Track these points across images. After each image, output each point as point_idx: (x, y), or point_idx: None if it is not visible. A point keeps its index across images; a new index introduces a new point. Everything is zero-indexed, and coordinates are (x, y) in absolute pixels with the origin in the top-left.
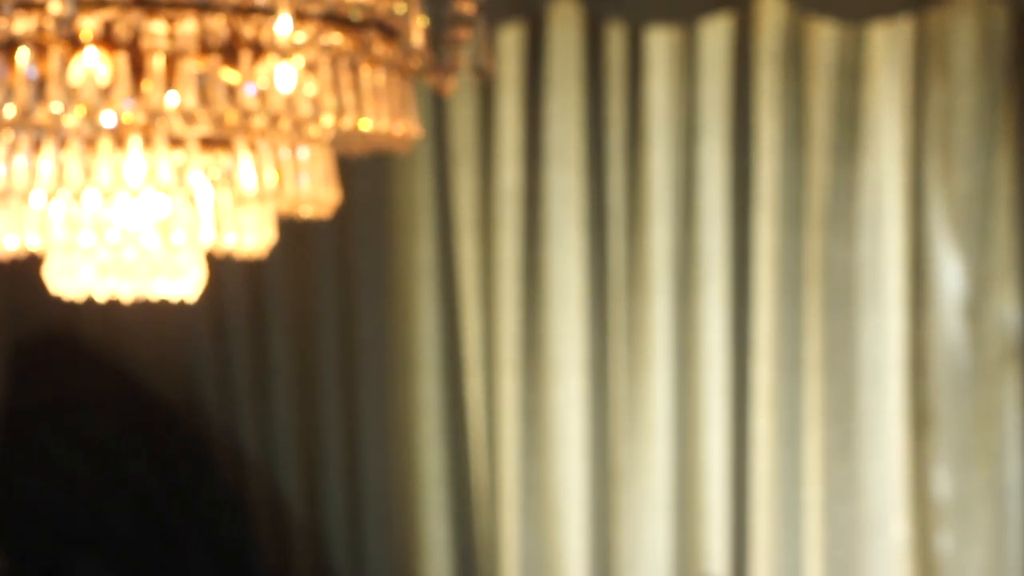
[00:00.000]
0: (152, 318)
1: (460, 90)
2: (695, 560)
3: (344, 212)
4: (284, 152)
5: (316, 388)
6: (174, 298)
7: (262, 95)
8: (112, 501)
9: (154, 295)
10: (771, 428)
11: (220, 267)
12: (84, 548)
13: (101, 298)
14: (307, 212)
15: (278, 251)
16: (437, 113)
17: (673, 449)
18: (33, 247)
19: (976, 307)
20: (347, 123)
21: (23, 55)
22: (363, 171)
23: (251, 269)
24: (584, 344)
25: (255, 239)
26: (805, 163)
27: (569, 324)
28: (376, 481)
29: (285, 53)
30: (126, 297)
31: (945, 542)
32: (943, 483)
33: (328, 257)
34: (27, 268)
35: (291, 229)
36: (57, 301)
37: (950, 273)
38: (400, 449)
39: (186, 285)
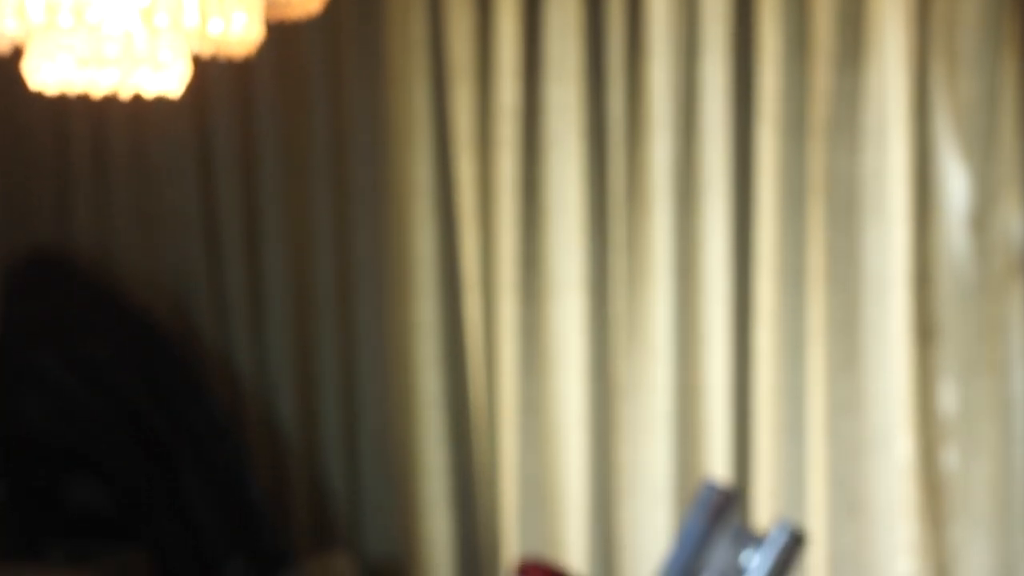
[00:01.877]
0: (146, 239)
1: (458, 4)
2: (696, 477)
3: (340, 130)
4: None
5: (312, 309)
6: (155, 92)
7: None
8: (107, 422)
9: (135, 88)
10: (773, 343)
11: (216, 177)
12: (79, 469)
13: (79, 89)
14: (294, 11)
15: (272, 167)
16: (435, 28)
17: (674, 365)
18: (11, 32)
19: (981, 218)
20: None
21: None
22: (360, 88)
23: (247, 179)
24: (583, 261)
25: (241, 29)
26: (808, 73)
27: (568, 241)
28: (373, 403)
29: None
30: (105, 89)
31: (950, 456)
32: (948, 397)
33: (325, 177)
34: (20, 186)
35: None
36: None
37: (955, 183)
38: (397, 370)
39: (169, 79)
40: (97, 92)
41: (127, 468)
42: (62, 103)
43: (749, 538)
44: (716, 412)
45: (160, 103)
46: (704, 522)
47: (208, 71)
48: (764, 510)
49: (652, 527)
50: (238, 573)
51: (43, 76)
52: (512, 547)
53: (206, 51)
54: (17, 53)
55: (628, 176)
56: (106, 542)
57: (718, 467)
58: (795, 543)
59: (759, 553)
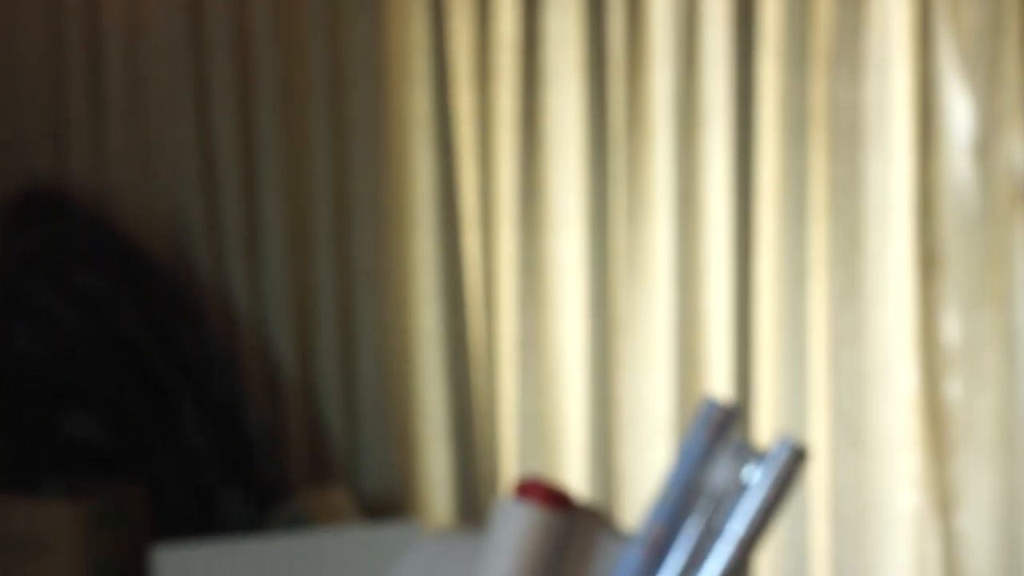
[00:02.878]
0: (142, 175)
1: None
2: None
3: (338, 64)
4: None
5: (310, 245)
6: None
7: None
8: (103, 355)
9: None
10: (775, 274)
11: (213, 113)
12: (74, 402)
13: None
14: None
15: (270, 102)
16: None
17: (674, 298)
18: None
19: (985, 147)
20: None
21: None
22: (356, 19)
23: (243, 121)
24: (583, 194)
25: None
26: (809, 2)
27: (568, 174)
28: (370, 339)
29: None
30: None
31: (953, 387)
32: (951, 327)
33: (322, 110)
34: (16, 123)
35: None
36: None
37: (959, 112)
38: (395, 306)
39: None
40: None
41: (123, 401)
42: (58, 37)
43: (750, 454)
44: (717, 345)
45: (158, 39)
46: (705, 438)
47: (205, 5)
48: (765, 442)
49: (652, 460)
50: (234, 507)
51: None
52: (511, 482)
53: None
54: None
55: (628, 108)
56: (101, 476)
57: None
58: (797, 458)
59: (760, 468)
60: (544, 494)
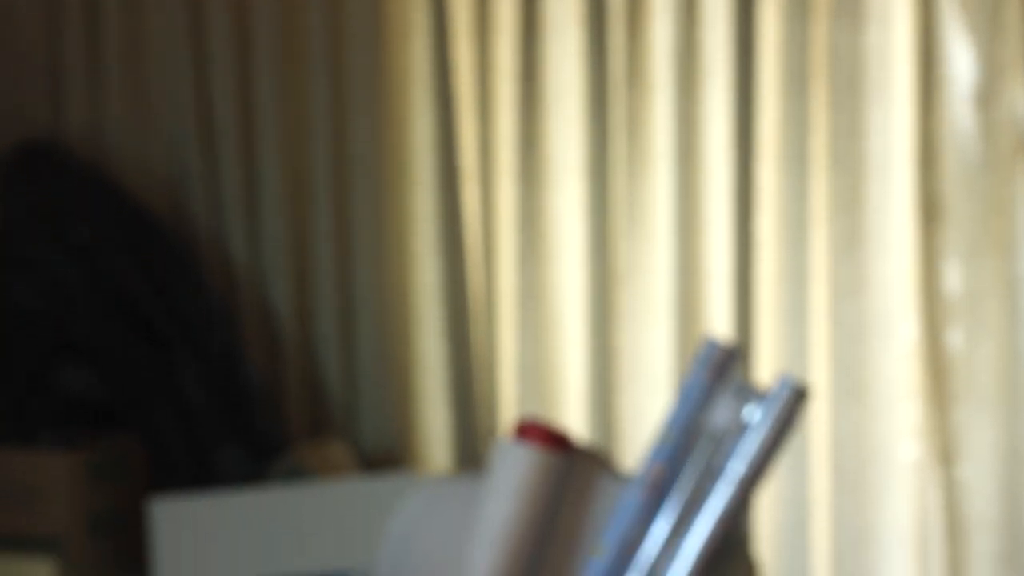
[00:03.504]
0: (140, 128)
1: None
2: None
3: (336, 15)
4: None
5: (308, 198)
6: None
7: None
8: (101, 308)
9: None
10: (775, 225)
11: (208, 74)
12: (72, 355)
13: None
14: None
15: (268, 56)
16: None
17: (675, 250)
18: None
19: (987, 96)
20: None
21: None
22: None
23: (241, 75)
24: (583, 146)
25: None
26: None
27: (568, 126)
28: (369, 293)
29: None
30: None
31: (955, 337)
32: (953, 278)
33: (320, 64)
34: (12, 77)
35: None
36: (44, 115)
37: (960, 61)
38: (394, 259)
39: None
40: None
41: (121, 355)
42: None
43: (751, 394)
44: (717, 296)
45: None
46: (705, 378)
47: None
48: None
49: (652, 412)
50: (232, 460)
51: None
52: (510, 425)
53: None
54: None
55: (628, 60)
56: (99, 429)
57: None
58: (798, 398)
59: (761, 408)
60: (543, 435)
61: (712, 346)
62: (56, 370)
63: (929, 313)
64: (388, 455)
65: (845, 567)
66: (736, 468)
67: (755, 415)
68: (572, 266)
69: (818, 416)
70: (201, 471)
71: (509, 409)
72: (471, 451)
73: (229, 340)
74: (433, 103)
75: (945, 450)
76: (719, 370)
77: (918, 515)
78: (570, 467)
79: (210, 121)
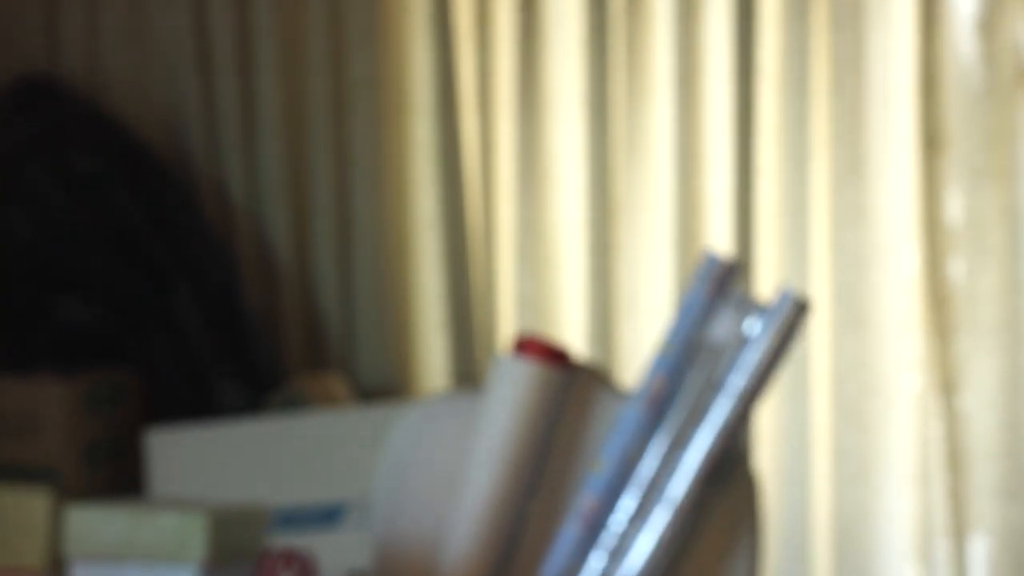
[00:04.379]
0: (137, 62)
1: None
2: None
3: None
4: None
5: (305, 130)
6: None
7: None
8: (97, 239)
9: None
10: (776, 154)
11: (205, 6)
12: (69, 286)
13: None
14: None
15: None
16: None
17: (675, 181)
18: None
19: (989, 23)
20: None
21: None
22: None
23: (238, 6)
24: (583, 77)
25: None
26: None
27: (567, 56)
28: (367, 227)
29: None
30: None
31: (956, 267)
32: (954, 206)
33: None
34: (8, 11)
35: None
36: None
37: None
38: (392, 194)
39: None
40: None
41: (118, 285)
42: None
43: (751, 307)
44: (717, 226)
45: None
46: (705, 293)
47: None
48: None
49: (652, 343)
50: (229, 393)
51: None
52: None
53: None
54: None
55: None
56: (96, 360)
57: None
58: (798, 310)
59: (761, 321)
60: (542, 350)
61: (712, 260)
62: (54, 302)
63: (930, 242)
64: (386, 388)
65: (846, 499)
66: (736, 381)
67: (755, 328)
68: (571, 198)
69: (818, 347)
70: (198, 403)
71: (508, 341)
72: (470, 383)
73: (226, 273)
74: (431, 33)
75: (946, 380)
76: (719, 284)
77: (919, 445)
78: (569, 382)
79: (207, 53)
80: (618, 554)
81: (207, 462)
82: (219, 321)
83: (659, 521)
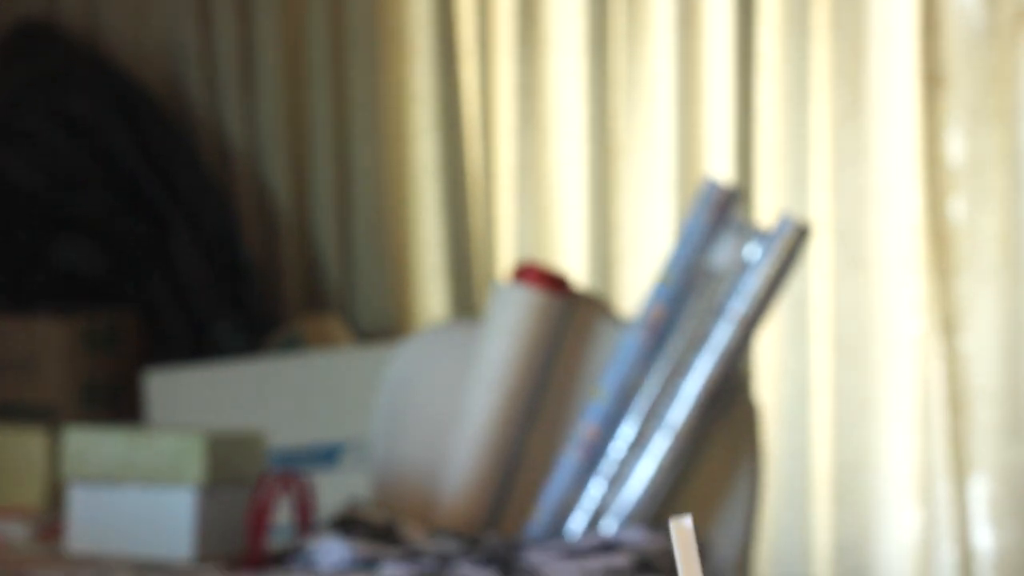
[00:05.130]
0: (135, 5)
1: None
2: None
3: None
4: None
5: (304, 75)
6: None
7: None
8: (96, 182)
9: None
10: (777, 94)
11: None
12: (68, 228)
13: None
14: None
15: None
16: None
17: (675, 121)
18: None
19: None
20: None
21: None
22: None
23: None
24: (582, 17)
25: None
26: None
27: None
28: (367, 171)
29: None
30: None
31: (957, 207)
32: (955, 147)
33: None
34: None
35: None
36: None
37: None
38: (391, 137)
39: None
40: None
41: (116, 228)
42: None
43: (752, 233)
44: (718, 167)
45: None
46: (705, 219)
47: None
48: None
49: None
50: (227, 334)
51: None
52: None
53: None
54: None
55: None
56: (95, 302)
57: None
58: (799, 235)
59: (762, 246)
60: (542, 277)
61: (712, 186)
62: (53, 245)
63: (931, 183)
64: (384, 332)
65: (846, 440)
66: (737, 307)
67: (755, 254)
68: (571, 139)
69: (819, 288)
70: (197, 345)
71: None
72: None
73: (225, 217)
74: None
75: (947, 321)
76: (719, 210)
77: (920, 386)
78: (569, 310)
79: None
80: (617, 481)
81: (206, 402)
82: (218, 264)
83: (659, 448)
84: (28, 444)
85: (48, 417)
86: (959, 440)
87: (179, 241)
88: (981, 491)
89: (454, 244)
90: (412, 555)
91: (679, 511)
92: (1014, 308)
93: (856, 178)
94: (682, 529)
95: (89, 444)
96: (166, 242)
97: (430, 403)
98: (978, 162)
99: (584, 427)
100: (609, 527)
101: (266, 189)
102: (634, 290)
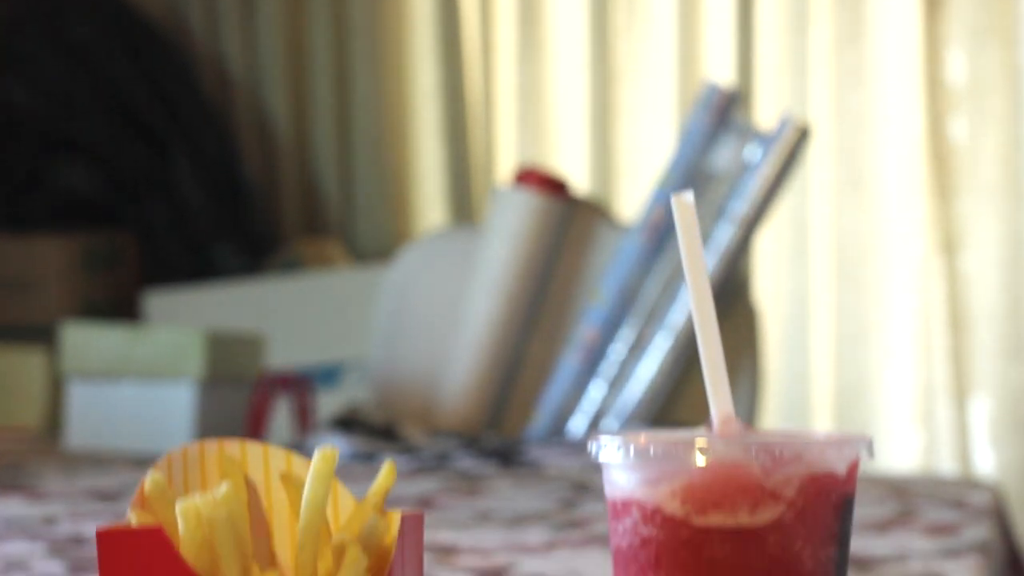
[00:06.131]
0: None
1: None
2: None
3: None
4: None
5: (304, 0)
6: None
7: None
8: (95, 105)
9: None
10: (778, 15)
11: None
12: (67, 152)
13: None
14: None
15: None
16: None
17: (675, 45)
18: None
19: None
20: None
21: None
22: None
23: None
24: None
25: None
26: None
27: None
28: (366, 96)
29: None
30: None
31: (958, 126)
32: (956, 67)
33: None
34: None
35: None
36: None
37: None
38: (391, 62)
39: None
40: None
41: (116, 152)
42: None
43: (752, 134)
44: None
45: None
46: (706, 121)
47: None
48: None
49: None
50: (226, 256)
51: None
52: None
53: None
54: None
55: None
56: (94, 225)
57: None
58: (800, 135)
59: (763, 147)
60: (542, 181)
61: (712, 89)
62: (53, 169)
63: (932, 103)
64: (384, 255)
65: (847, 361)
66: (737, 207)
67: (756, 155)
68: (571, 63)
69: (820, 208)
70: (196, 268)
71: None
72: None
73: (224, 141)
74: None
75: (948, 241)
76: (720, 112)
77: (921, 306)
78: (569, 214)
79: None
80: (618, 383)
81: (205, 323)
82: (216, 188)
83: (659, 349)
84: (27, 364)
85: (47, 337)
86: (960, 360)
87: (179, 165)
88: (981, 411)
89: (454, 168)
90: (411, 451)
91: (679, 413)
92: (1014, 228)
93: (857, 98)
94: (683, 204)
95: (88, 340)
96: (166, 166)
97: (430, 308)
98: (979, 82)
99: (584, 330)
100: (610, 428)
101: (266, 114)
102: (634, 201)
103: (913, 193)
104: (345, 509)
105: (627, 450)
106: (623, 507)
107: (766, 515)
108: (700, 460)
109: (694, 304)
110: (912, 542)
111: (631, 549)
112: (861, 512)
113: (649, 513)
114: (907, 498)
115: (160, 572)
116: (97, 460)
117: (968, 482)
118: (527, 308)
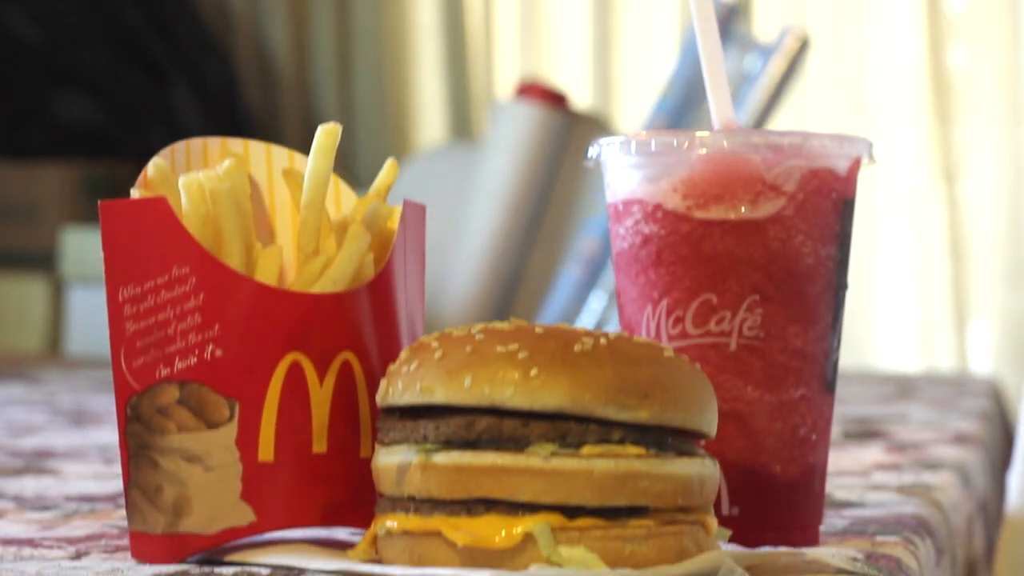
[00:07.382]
0: None
1: None
2: None
3: None
4: None
5: None
6: None
7: None
8: (96, 36)
9: None
10: None
11: None
12: (69, 82)
13: None
14: None
15: None
16: None
17: None
18: None
19: None
20: None
21: None
22: None
23: None
24: None
25: None
26: None
27: None
28: (367, 30)
29: None
30: None
31: (959, 54)
32: None
33: None
34: None
35: None
36: None
37: None
38: None
39: None
40: None
41: (117, 81)
42: None
43: (753, 45)
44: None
45: None
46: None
47: None
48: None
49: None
50: None
51: None
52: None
53: None
54: None
55: None
56: (95, 154)
57: None
58: (799, 45)
59: (764, 58)
60: (543, 93)
61: (714, 2)
62: (54, 97)
63: (932, 31)
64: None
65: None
66: (738, 118)
67: (756, 65)
68: None
69: None
70: None
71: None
72: None
73: (224, 72)
74: None
75: (948, 169)
76: (721, 25)
77: (921, 233)
78: (570, 127)
79: None
80: None
81: None
82: (217, 117)
83: None
84: (28, 291)
85: (47, 264)
86: (959, 287)
87: (179, 94)
88: (981, 337)
89: (455, 104)
90: None
91: None
92: (1014, 155)
93: (857, 27)
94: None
95: (89, 244)
96: (166, 95)
97: (430, 222)
98: (978, 10)
99: (585, 242)
100: None
101: (266, 44)
102: (634, 116)
103: (913, 121)
104: (347, 205)
105: (628, 146)
106: (624, 207)
107: (767, 208)
108: (700, 149)
109: (695, 10)
110: (913, 411)
111: (632, 249)
112: (864, 390)
113: (650, 210)
114: (908, 382)
115: (162, 240)
116: (97, 363)
117: (967, 376)
118: (527, 220)
